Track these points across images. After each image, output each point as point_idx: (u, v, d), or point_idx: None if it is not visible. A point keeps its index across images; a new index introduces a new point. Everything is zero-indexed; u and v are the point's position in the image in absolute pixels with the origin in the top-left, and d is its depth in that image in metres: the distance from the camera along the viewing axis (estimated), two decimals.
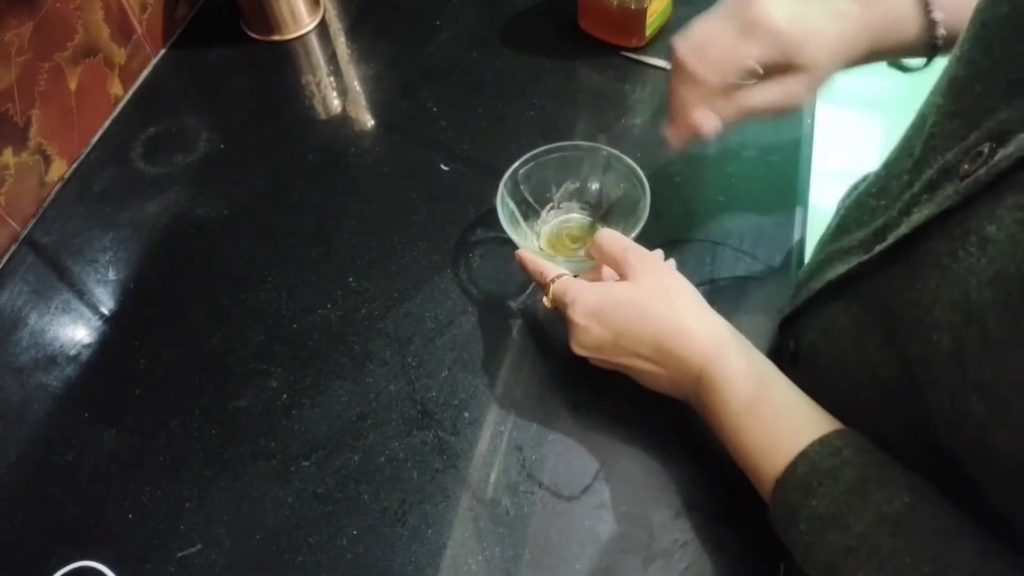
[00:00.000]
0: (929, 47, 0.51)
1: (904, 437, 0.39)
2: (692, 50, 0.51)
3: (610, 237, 0.52)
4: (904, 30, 0.51)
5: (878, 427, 0.41)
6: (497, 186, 0.59)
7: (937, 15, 0.50)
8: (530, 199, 0.63)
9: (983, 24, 0.37)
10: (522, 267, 0.56)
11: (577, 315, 0.50)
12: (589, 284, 0.51)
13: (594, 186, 0.63)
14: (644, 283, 0.49)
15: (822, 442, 0.41)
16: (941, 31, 0.50)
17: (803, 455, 0.41)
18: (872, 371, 0.41)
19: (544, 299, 0.53)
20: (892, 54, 0.53)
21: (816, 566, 0.39)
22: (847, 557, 0.37)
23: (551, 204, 0.64)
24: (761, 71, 0.50)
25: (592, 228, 0.64)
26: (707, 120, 0.51)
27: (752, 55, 0.49)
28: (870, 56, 0.52)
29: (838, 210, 0.58)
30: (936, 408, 0.34)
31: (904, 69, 0.56)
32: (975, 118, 0.36)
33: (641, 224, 0.56)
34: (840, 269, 0.44)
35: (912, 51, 0.52)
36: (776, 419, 0.43)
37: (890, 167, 0.46)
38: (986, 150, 0.34)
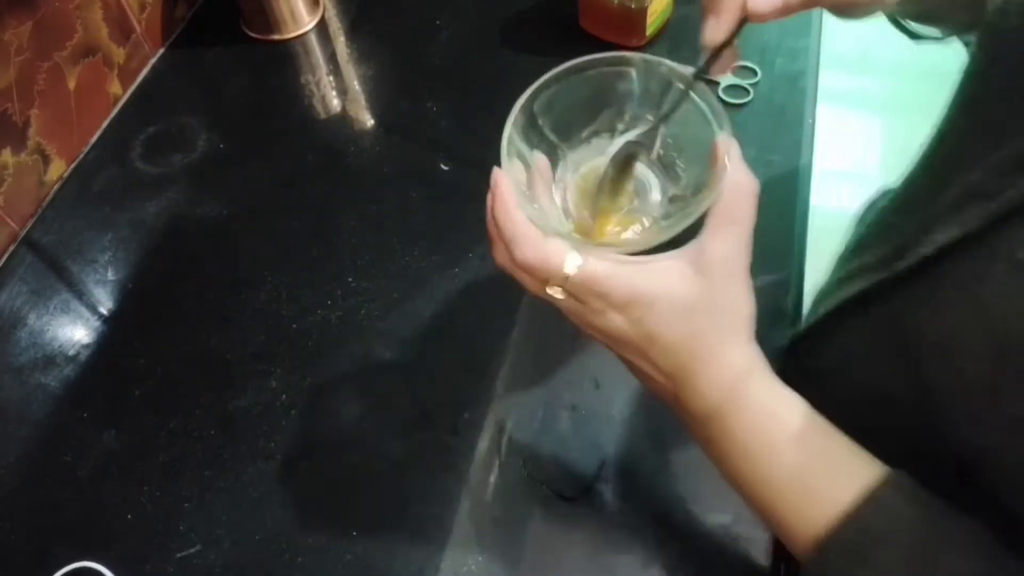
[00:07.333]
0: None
1: (912, 465, 0.36)
2: None
3: (736, 154, 0.38)
4: None
5: (886, 454, 0.37)
6: None
7: None
8: (554, 138, 0.42)
9: (997, 38, 0.36)
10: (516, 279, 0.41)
11: (607, 306, 0.38)
12: (622, 269, 0.37)
13: (646, 122, 0.41)
14: (717, 286, 0.38)
15: (869, 500, 0.35)
16: None
17: (850, 516, 0.35)
18: (886, 397, 0.39)
19: (552, 291, 0.39)
20: None
21: None
22: None
23: (582, 143, 0.43)
24: None
25: (645, 194, 0.43)
26: None
27: None
28: None
29: (856, 228, 0.57)
30: (956, 438, 0.33)
31: (914, 36, 0.51)
32: (998, 136, 0.34)
33: (721, 185, 0.37)
34: (858, 287, 0.42)
35: None
36: (810, 469, 0.37)
37: (909, 184, 0.44)
38: (1012, 170, 0.32)
